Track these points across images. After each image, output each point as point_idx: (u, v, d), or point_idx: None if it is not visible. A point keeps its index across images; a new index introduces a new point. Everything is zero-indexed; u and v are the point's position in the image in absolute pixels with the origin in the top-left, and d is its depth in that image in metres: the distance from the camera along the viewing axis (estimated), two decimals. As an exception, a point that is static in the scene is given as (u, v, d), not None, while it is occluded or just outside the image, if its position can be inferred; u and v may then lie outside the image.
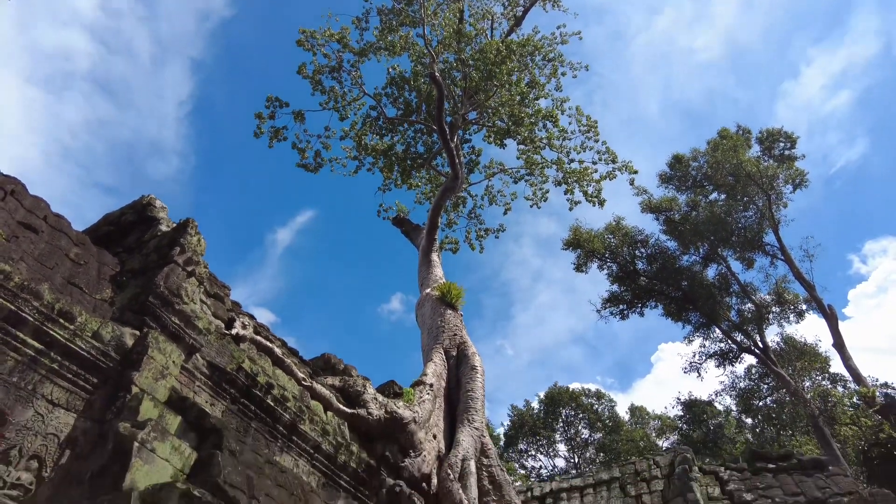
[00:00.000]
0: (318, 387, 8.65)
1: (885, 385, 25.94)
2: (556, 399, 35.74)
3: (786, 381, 19.91)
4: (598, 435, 35.11)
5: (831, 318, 20.14)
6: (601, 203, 20.47)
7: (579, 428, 35.88)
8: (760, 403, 24.59)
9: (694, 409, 28.10)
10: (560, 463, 36.22)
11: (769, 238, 22.61)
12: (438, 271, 17.86)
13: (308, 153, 20.08)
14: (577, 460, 34.42)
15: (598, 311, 25.09)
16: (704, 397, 26.91)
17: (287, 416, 7.58)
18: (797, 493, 10.58)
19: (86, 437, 5.28)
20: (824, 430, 17.94)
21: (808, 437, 21.26)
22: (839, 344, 19.94)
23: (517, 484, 14.15)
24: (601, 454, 33.09)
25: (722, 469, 11.94)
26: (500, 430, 37.12)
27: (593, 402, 36.41)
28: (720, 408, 26.16)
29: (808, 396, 18.31)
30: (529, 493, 13.17)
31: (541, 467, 35.72)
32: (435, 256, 18.74)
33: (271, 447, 7.33)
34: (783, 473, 11.40)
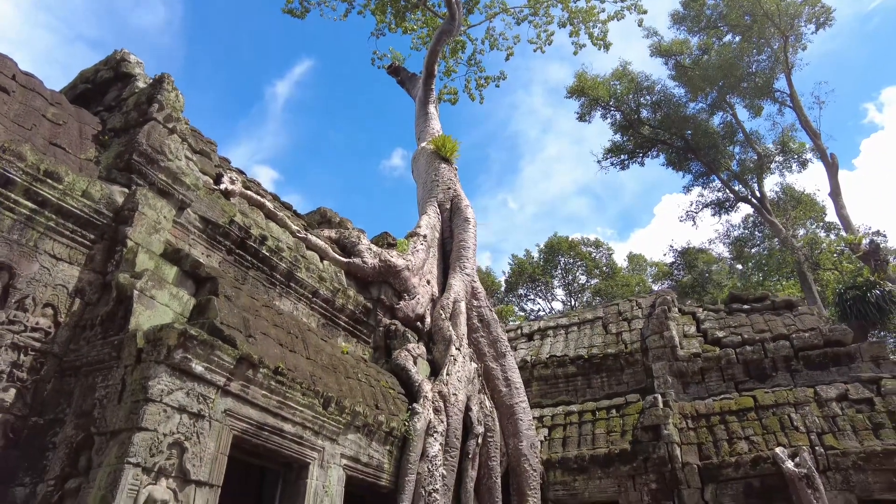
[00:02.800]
0: (313, 238, 9.07)
1: (878, 233, 26.50)
2: (555, 248, 36.97)
3: (778, 229, 20.37)
4: (595, 281, 36.91)
5: (832, 167, 20.02)
6: (606, 47, 19.43)
7: (577, 275, 37.65)
8: (753, 251, 25.35)
9: (686, 255, 29.16)
10: (557, 306, 38.50)
11: (780, 84, 21.71)
12: (436, 124, 17.55)
13: (293, -4, 18.79)
14: (573, 304, 36.55)
15: (599, 161, 24.96)
16: (700, 245, 27.87)
17: (283, 264, 8.07)
18: (764, 331, 11.41)
19: (91, 288, 5.74)
20: (807, 274, 18.74)
21: (794, 282, 22.24)
22: (835, 192, 20.05)
23: (514, 323, 15.24)
24: (597, 298, 35.00)
25: (700, 310, 12.77)
26: (502, 278, 39.08)
27: (591, 250, 37.70)
28: (714, 255, 27.14)
29: (798, 244, 18.86)
30: (520, 331, 14.27)
31: (539, 310, 38.13)
32: (432, 108, 18.29)
33: (270, 293, 7.91)
34: (756, 313, 12.20)
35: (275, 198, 9.06)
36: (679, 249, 29.94)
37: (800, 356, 10.76)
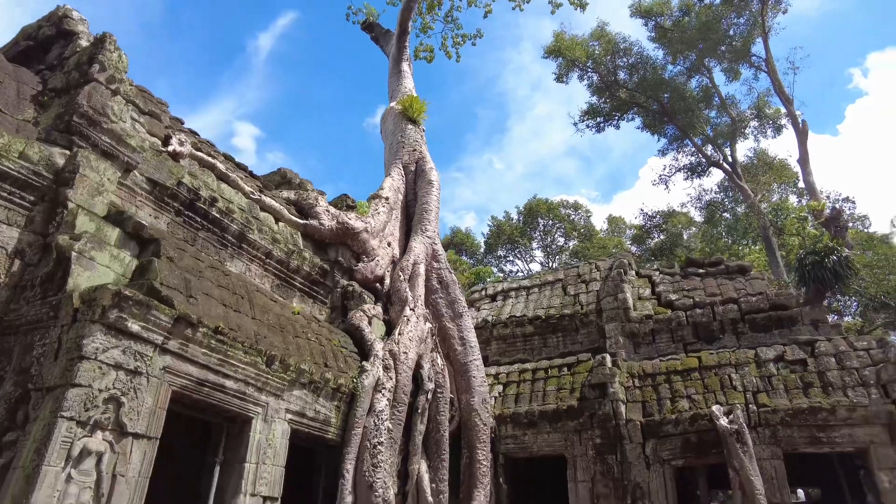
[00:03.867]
0: (268, 199, 9.16)
1: (847, 199, 26.96)
2: (534, 210, 37.19)
3: (747, 194, 20.69)
4: (573, 243, 37.34)
5: (802, 134, 20.21)
6: (583, 6, 19.17)
7: (556, 237, 38.02)
8: (727, 216, 25.73)
9: (655, 219, 29.60)
10: (536, 268, 39.00)
11: (758, 48, 21.61)
12: (409, 82, 17.37)
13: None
14: (551, 265, 37.05)
15: (576, 123, 24.93)
16: (671, 210, 28.20)
17: (234, 226, 8.18)
18: (716, 294, 11.79)
19: (31, 249, 5.85)
20: (772, 239, 19.17)
21: (761, 246, 22.71)
22: (803, 159, 20.31)
23: (479, 285, 15.54)
24: (574, 259, 35.49)
25: (657, 273, 13.11)
26: (482, 239, 39.42)
27: (570, 212, 38.01)
28: (688, 217, 27.51)
29: (765, 208, 19.23)
30: (484, 292, 14.59)
31: (518, 271, 38.63)
32: (405, 66, 18.05)
33: (221, 254, 8.04)
34: (710, 277, 12.56)
35: (228, 158, 9.09)
36: (649, 213, 30.36)
37: (746, 319, 11.18)
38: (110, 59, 6.73)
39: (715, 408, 9.30)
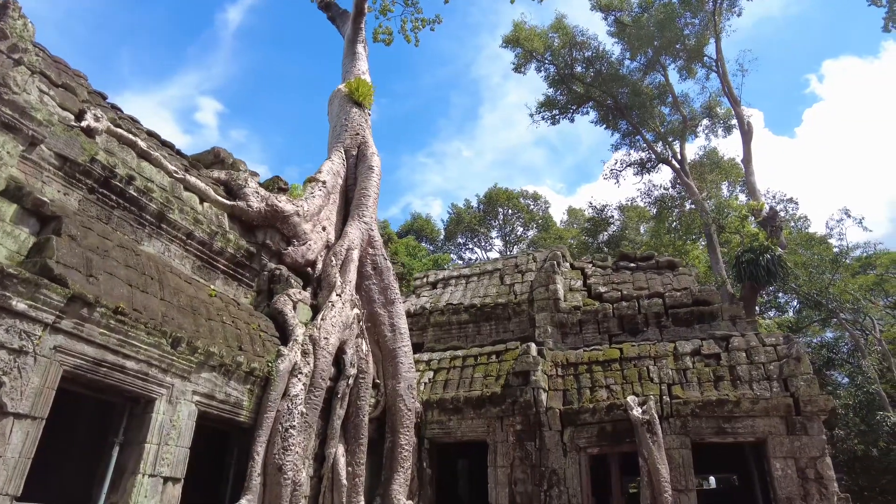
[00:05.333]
0: (193, 179, 9.01)
1: (790, 200, 27.92)
2: (494, 199, 37.47)
3: (693, 191, 21.27)
4: (532, 232, 37.79)
5: (747, 134, 20.84)
6: (540, -2, 19.23)
7: (515, 226, 38.39)
8: (676, 212, 26.39)
9: (604, 212, 30.27)
10: (494, 256, 39.39)
11: (712, 49, 22.07)
12: (363, 64, 17.19)
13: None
14: (509, 254, 37.51)
15: (531, 115, 25.13)
16: (628, 203, 28.86)
17: (153, 205, 8.03)
18: (643, 288, 12.15)
19: (-82, 220, 5.65)
20: (713, 237, 19.80)
21: (705, 243, 23.40)
22: (747, 159, 20.97)
23: (421, 273, 15.64)
24: (531, 249, 35.99)
25: (590, 266, 13.43)
26: (441, 226, 39.52)
27: (530, 202, 38.41)
28: (636, 214, 28.17)
29: (709, 206, 19.82)
30: (425, 279, 14.71)
31: (477, 259, 38.90)
32: (360, 48, 17.83)
33: (138, 234, 7.90)
34: (640, 272, 12.93)
35: (151, 135, 8.90)
36: (598, 207, 31.00)
37: (669, 313, 11.57)
38: (14, 26, 6.49)
39: (630, 398, 9.64)
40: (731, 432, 9.29)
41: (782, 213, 28.00)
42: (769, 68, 64.96)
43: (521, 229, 38.56)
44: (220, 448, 8.10)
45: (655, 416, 9.34)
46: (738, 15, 23.31)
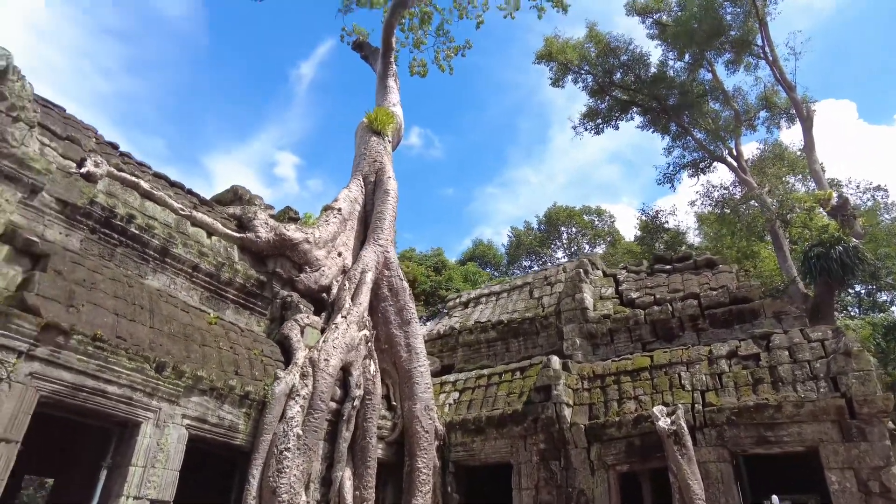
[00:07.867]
0: (199, 215, 9.46)
1: (879, 188, 25.28)
2: (554, 219, 36.66)
3: (752, 187, 19.74)
4: (600, 249, 36.50)
5: (806, 121, 19.18)
6: (564, 8, 18.95)
7: (581, 244, 37.30)
8: (743, 210, 24.54)
9: (657, 220, 28.64)
10: (561, 276, 38.37)
11: (758, 36, 20.64)
12: (394, 97, 17.69)
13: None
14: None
15: (575, 127, 24.52)
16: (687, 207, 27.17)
17: (156, 241, 8.48)
18: (678, 290, 11.28)
19: (-79, 266, 6.26)
20: (778, 233, 18.18)
21: (769, 241, 21.54)
22: (808, 147, 19.22)
23: (454, 293, 15.44)
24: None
25: (623, 272, 12.67)
26: (503, 250, 39.11)
27: (594, 218, 37.26)
28: (692, 217, 26.53)
29: (770, 201, 18.27)
30: (458, 300, 14.47)
31: (543, 281, 38.10)
32: (391, 82, 18.39)
33: (142, 268, 8.35)
34: (676, 273, 12.04)
35: (158, 177, 9.46)
36: (650, 213, 29.48)
37: (706, 314, 10.64)
38: (12, 88, 7.18)
39: (657, 409, 8.86)
40: (774, 441, 8.25)
41: (869, 203, 25.36)
42: (856, 56, 60.16)
43: (588, 247, 37.38)
44: (227, 473, 8.22)
45: (684, 426, 8.50)
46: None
